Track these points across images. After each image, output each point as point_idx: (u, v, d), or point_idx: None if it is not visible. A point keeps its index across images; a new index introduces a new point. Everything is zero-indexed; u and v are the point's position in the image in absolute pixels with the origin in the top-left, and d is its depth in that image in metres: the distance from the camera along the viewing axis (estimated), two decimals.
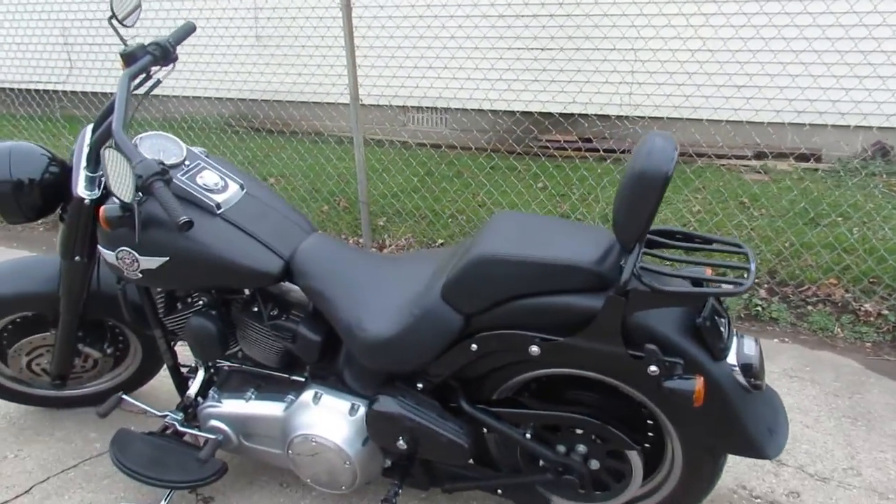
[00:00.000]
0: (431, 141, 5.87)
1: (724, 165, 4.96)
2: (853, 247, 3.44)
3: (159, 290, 2.00)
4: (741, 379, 1.53)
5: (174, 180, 1.74)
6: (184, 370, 2.16)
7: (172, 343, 2.13)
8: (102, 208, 1.66)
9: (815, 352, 2.93)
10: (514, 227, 1.66)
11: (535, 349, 1.57)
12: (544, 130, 5.61)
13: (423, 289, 1.72)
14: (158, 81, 2.02)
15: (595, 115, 5.41)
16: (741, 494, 2.10)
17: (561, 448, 1.75)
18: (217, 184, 1.85)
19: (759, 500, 2.07)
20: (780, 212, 4.02)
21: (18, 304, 2.16)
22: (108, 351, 2.36)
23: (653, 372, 1.49)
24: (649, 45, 4.97)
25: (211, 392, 2.00)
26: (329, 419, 1.82)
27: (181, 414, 2.04)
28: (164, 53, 1.97)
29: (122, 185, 1.58)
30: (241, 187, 1.91)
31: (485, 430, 1.77)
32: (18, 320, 2.26)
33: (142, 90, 1.96)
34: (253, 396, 1.95)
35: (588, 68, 5.16)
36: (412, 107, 6.25)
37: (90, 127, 1.97)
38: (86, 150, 1.89)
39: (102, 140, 1.83)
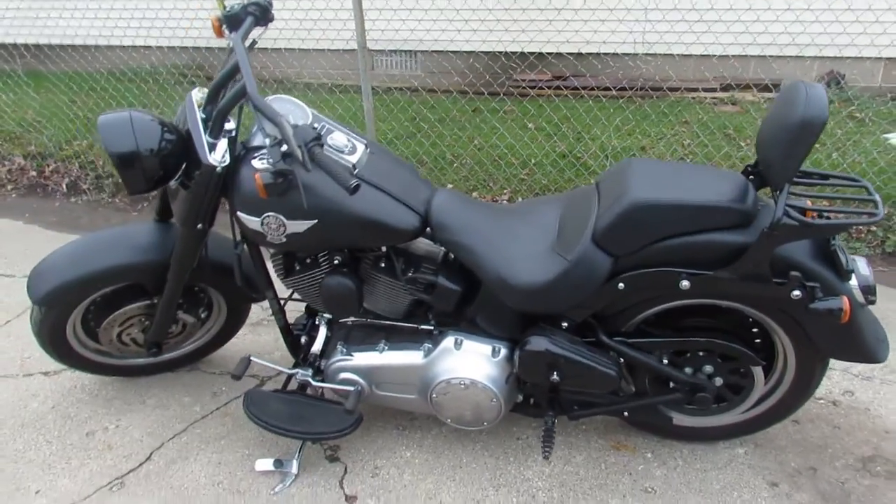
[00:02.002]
0: (399, 84, 5.85)
1: (694, 98, 5.23)
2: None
3: (276, 253, 2.02)
4: (859, 296, 1.75)
5: None
6: (294, 330, 2.21)
7: (283, 303, 2.17)
8: (259, 175, 1.67)
9: None
10: (654, 173, 1.79)
11: (685, 283, 1.74)
12: (519, 70, 5.69)
13: (564, 235, 1.84)
14: (255, 42, 1.99)
15: (568, 53, 5.53)
16: None
17: (688, 370, 1.95)
18: (346, 145, 1.87)
19: (822, 401, 2.37)
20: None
21: (120, 275, 2.13)
22: (203, 315, 2.36)
23: (796, 296, 1.69)
24: None
25: (339, 347, 2.07)
26: (474, 362, 1.94)
27: (310, 370, 2.10)
28: (263, 13, 1.94)
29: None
30: (366, 146, 1.94)
31: (621, 359, 1.94)
32: (108, 293, 2.22)
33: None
34: (386, 348, 2.03)
35: (558, 4, 5.24)
36: (375, 50, 6.16)
37: (196, 93, 1.93)
38: (201, 115, 1.86)
39: (230, 107, 1.80)
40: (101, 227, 3.98)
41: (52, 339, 2.21)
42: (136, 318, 2.28)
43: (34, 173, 4.72)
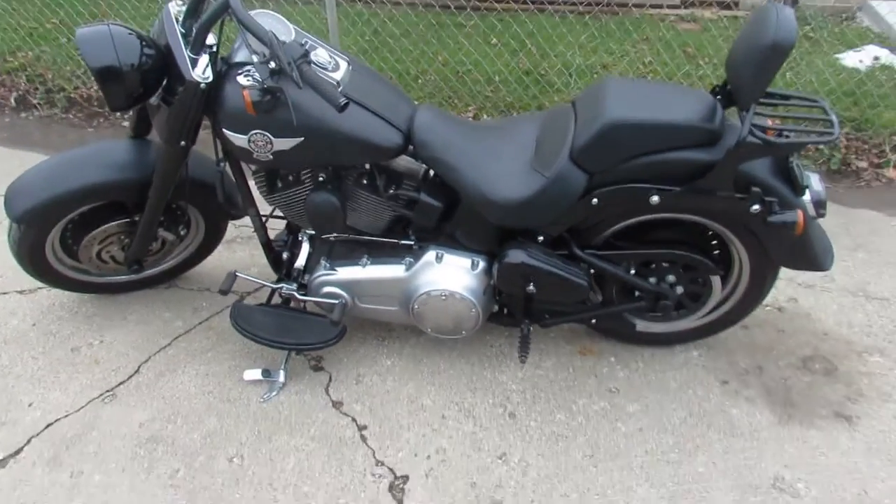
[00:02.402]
0: None
1: (655, 15, 5.25)
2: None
3: (259, 170, 2.05)
4: (812, 210, 1.90)
5: None
6: (276, 246, 2.26)
7: (265, 220, 2.21)
8: (247, 92, 1.68)
9: None
10: (629, 92, 1.86)
11: (655, 199, 1.85)
12: None
13: (542, 152, 1.92)
14: None
15: None
16: None
17: (652, 280, 2.10)
18: (330, 62, 1.88)
19: (769, 308, 2.57)
20: (722, 59, 4.42)
21: (100, 193, 2.13)
22: (182, 233, 2.39)
23: (755, 210, 1.82)
24: None
25: (322, 262, 2.14)
26: (455, 274, 2.05)
27: (295, 284, 2.17)
28: None
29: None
30: (348, 63, 1.95)
31: (592, 271, 2.07)
32: (86, 211, 2.22)
33: None
34: (368, 262, 2.11)
35: None
36: None
37: (174, 6, 1.90)
38: (181, 30, 1.83)
39: (212, 22, 1.78)
40: (56, 143, 3.88)
41: (31, 257, 2.22)
42: (115, 235, 2.29)
43: None
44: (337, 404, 2.14)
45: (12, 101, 4.35)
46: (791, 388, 2.22)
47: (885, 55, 4.39)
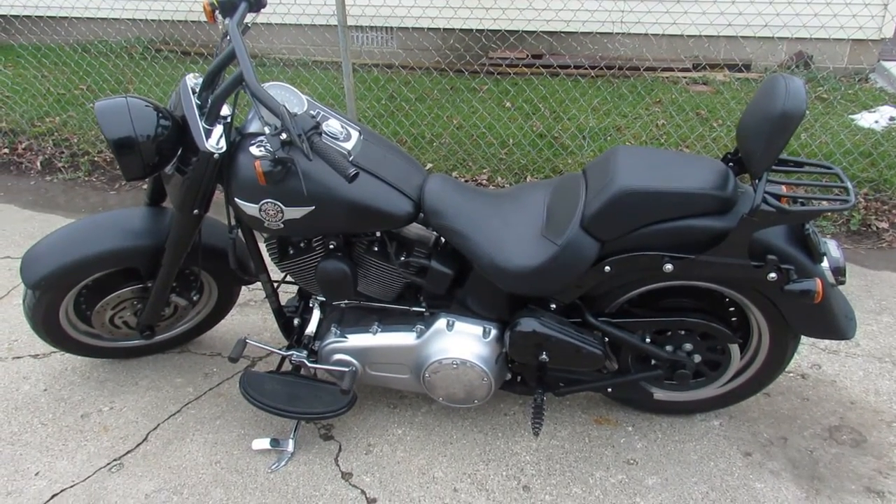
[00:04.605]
0: (377, 61, 5.83)
1: (668, 78, 5.32)
2: (797, 152, 3.91)
3: (270, 237, 2.06)
4: (830, 277, 1.86)
5: None
6: (287, 312, 2.26)
7: (276, 286, 2.21)
8: (259, 163, 1.70)
9: None
10: (640, 160, 1.86)
11: (668, 267, 1.82)
12: (497, 49, 5.72)
13: (553, 220, 1.91)
14: (248, 27, 2.00)
15: (545, 32, 5.58)
16: None
17: (669, 348, 2.05)
18: (341, 132, 1.91)
19: (792, 375, 2.49)
20: (735, 121, 4.44)
21: (114, 260, 2.14)
22: (195, 298, 2.39)
23: (772, 278, 1.79)
24: None
25: (333, 329, 2.12)
26: (465, 342, 2.02)
27: (305, 351, 2.15)
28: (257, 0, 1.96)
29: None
30: (360, 133, 1.98)
31: (606, 339, 2.03)
32: (100, 277, 2.24)
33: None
34: (379, 329, 2.09)
35: None
36: (351, 26, 6.12)
37: (190, 79, 1.95)
38: (196, 102, 1.88)
39: (227, 94, 1.82)
40: (78, 206, 3.96)
41: (45, 322, 2.23)
42: (128, 301, 2.30)
43: (6, 150, 4.63)
44: (346, 475, 2.09)
45: (38, 164, 4.47)
46: (818, 460, 2.13)
47: None
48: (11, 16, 6.19)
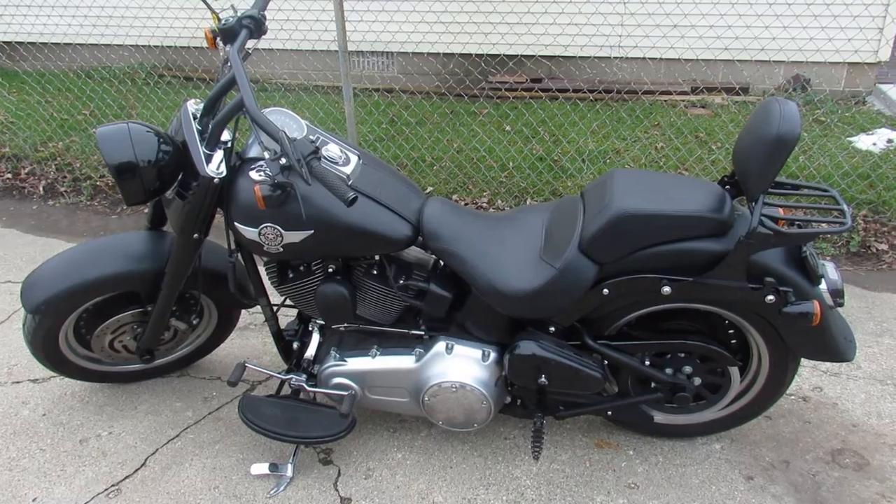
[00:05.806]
0: (378, 85, 5.88)
1: (666, 101, 5.36)
2: (795, 175, 3.93)
3: (270, 261, 2.07)
4: (829, 299, 1.86)
5: None
6: (286, 335, 2.26)
7: (276, 310, 2.22)
8: (258, 187, 1.72)
9: None
10: (638, 183, 1.87)
11: (667, 289, 1.82)
12: (496, 73, 5.78)
13: (551, 243, 1.92)
14: (248, 54, 2.03)
15: (543, 56, 5.64)
16: None
17: (669, 370, 2.05)
18: (340, 156, 1.93)
19: (793, 397, 2.48)
20: (734, 144, 4.47)
21: (115, 284, 2.15)
22: (195, 322, 2.39)
23: (770, 301, 1.79)
24: None
25: (332, 352, 2.12)
26: (465, 366, 2.01)
27: (304, 375, 2.15)
28: (258, 25, 1.98)
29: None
30: (359, 157, 1.99)
31: (605, 361, 2.03)
32: (100, 301, 2.24)
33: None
34: (378, 353, 2.09)
35: (537, 9, 5.34)
36: (351, 51, 6.19)
37: (191, 104, 1.97)
38: (197, 127, 1.90)
39: (227, 120, 1.84)
40: (80, 230, 3.97)
41: (45, 347, 2.23)
42: (128, 325, 2.30)
43: (9, 175, 4.67)
44: (345, 501, 2.07)
45: (41, 189, 4.49)
46: (820, 484, 2.11)
47: None
48: (17, 42, 6.27)
